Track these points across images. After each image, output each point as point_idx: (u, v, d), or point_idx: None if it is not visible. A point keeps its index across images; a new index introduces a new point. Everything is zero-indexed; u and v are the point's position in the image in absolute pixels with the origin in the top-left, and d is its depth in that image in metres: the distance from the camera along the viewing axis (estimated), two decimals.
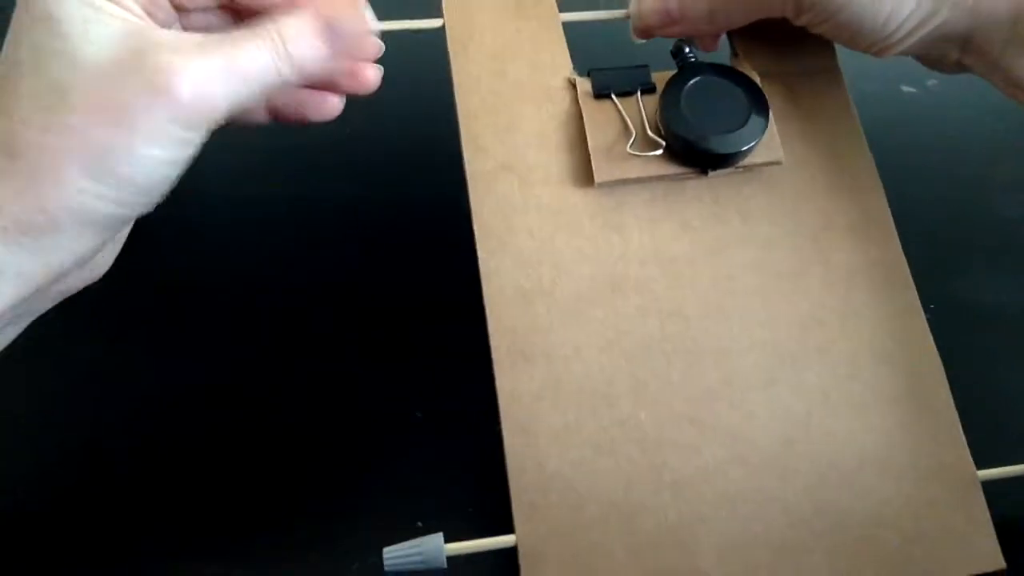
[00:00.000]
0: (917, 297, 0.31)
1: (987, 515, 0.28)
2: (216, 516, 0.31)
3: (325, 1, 0.26)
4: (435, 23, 0.34)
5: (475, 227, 0.30)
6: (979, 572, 0.28)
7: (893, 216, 0.33)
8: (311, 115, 0.30)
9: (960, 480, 0.29)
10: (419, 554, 0.26)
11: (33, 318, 0.27)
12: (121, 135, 0.23)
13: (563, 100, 0.33)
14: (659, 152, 0.31)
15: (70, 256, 0.25)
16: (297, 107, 0.30)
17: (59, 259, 0.25)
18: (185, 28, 0.28)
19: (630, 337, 0.29)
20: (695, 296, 0.30)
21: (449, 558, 0.27)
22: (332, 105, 0.30)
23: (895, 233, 0.32)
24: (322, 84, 0.29)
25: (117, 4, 0.24)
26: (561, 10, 0.35)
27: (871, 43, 0.31)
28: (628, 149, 0.31)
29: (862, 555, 0.27)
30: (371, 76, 0.30)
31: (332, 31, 0.26)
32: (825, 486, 0.28)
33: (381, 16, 0.30)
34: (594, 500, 0.27)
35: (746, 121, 0.30)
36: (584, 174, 0.31)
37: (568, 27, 0.34)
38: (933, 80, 0.51)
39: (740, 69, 0.32)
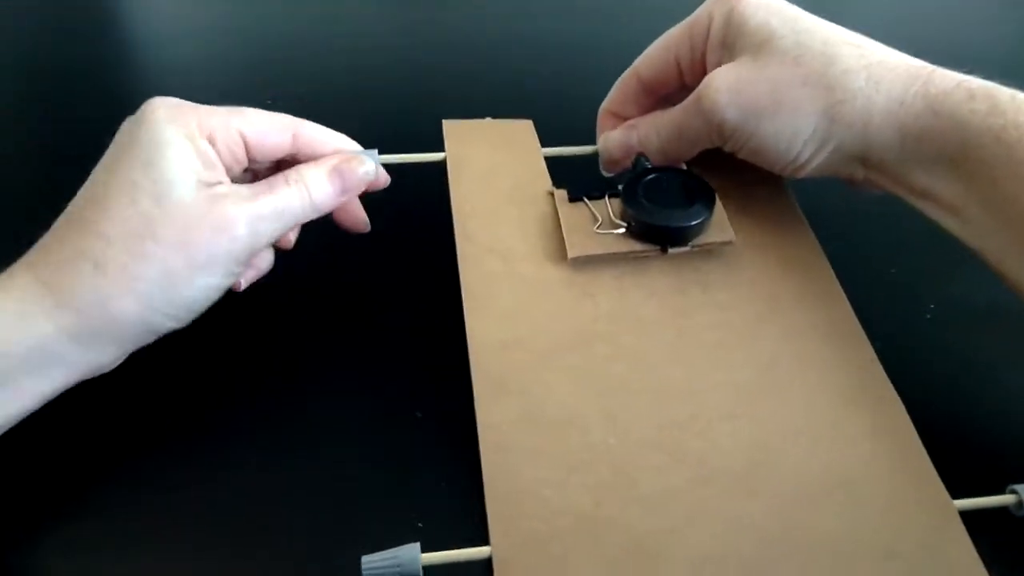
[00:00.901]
0: (873, 351, 0.33)
1: (967, 540, 0.28)
2: (216, 516, 0.31)
3: (338, 155, 0.35)
4: (438, 156, 0.41)
5: (463, 293, 0.35)
6: None
7: (893, 215, 0.35)
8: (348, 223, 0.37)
9: (936, 507, 0.29)
10: (396, 563, 0.27)
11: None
12: (190, 266, 0.29)
13: (543, 205, 0.38)
14: (621, 231, 0.36)
15: (115, 357, 0.30)
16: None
17: (108, 359, 0.30)
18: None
19: (600, 379, 0.32)
20: (660, 348, 0.33)
21: (426, 567, 0.27)
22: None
23: (844, 298, 0.35)
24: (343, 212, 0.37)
25: (207, 166, 0.30)
26: (544, 146, 0.42)
27: (783, 165, 0.35)
28: (595, 230, 0.36)
29: (833, 567, 0.27)
30: (361, 222, 0.37)
31: (343, 180, 0.34)
32: (794, 507, 0.29)
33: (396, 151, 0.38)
34: (566, 514, 0.28)
35: (693, 203, 0.36)
36: (559, 254, 0.36)
37: (550, 160, 0.41)
38: None
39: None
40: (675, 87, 0.39)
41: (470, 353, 0.33)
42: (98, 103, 0.52)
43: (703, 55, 0.37)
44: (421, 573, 0.27)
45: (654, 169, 0.38)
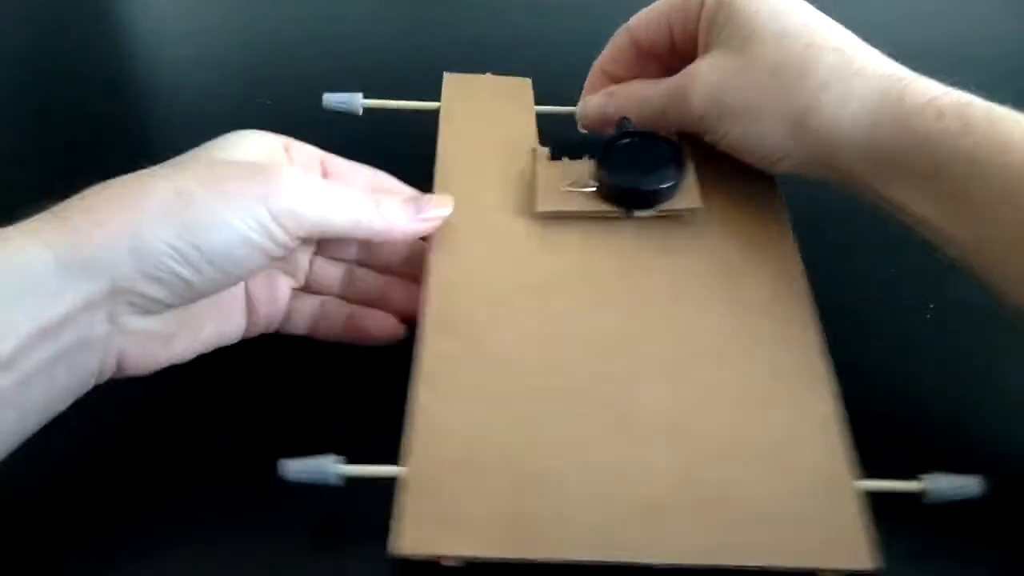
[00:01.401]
0: (818, 331, 0.34)
1: (862, 517, 0.29)
2: (215, 516, 0.31)
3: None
4: (433, 105, 0.43)
5: (432, 243, 0.36)
6: (846, 567, 0.28)
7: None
8: (372, 330, 0.36)
9: (836, 484, 0.29)
10: (316, 471, 0.30)
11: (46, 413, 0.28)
12: (212, 192, 0.28)
13: (524, 162, 0.40)
14: (592, 190, 0.37)
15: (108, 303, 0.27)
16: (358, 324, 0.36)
17: (99, 294, 0.26)
18: None
19: (547, 328, 0.34)
20: (611, 305, 0.35)
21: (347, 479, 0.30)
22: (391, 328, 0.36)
23: (804, 279, 0.36)
24: (377, 302, 0.36)
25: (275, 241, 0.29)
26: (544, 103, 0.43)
27: (756, 161, 0.36)
28: (566, 187, 0.37)
29: (724, 523, 0.28)
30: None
31: (417, 207, 0.34)
32: (700, 464, 0.30)
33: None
34: (484, 444, 0.30)
35: (663, 168, 0.36)
36: (530, 208, 0.37)
37: (546, 118, 0.42)
38: (933, 80, 0.49)
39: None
40: (667, 51, 0.39)
41: (426, 291, 0.35)
42: (98, 103, 0.53)
43: (696, 26, 0.37)
44: (340, 482, 0.30)
45: (636, 133, 0.38)
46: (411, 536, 0.28)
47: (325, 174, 0.34)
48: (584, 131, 0.42)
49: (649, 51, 0.40)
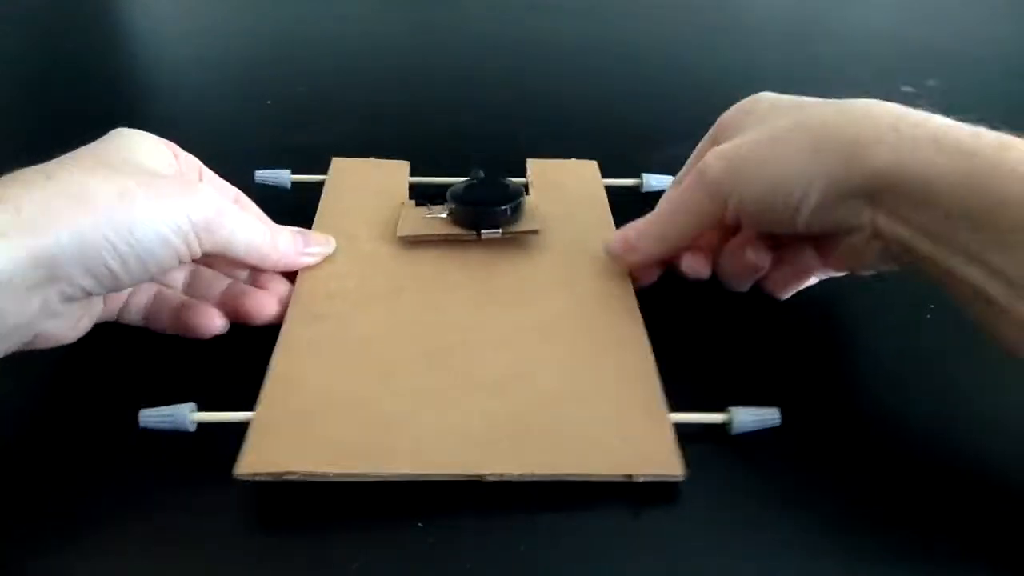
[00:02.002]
0: (639, 314, 0.38)
1: (672, 438, 0.32)
2: (214, 515, 0.31)
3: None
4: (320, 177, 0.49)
5: None
6: (657, 473, 0.30)
7: None
8: (252, 312, 0.37)
9: (650, 415, 0.33)
10: (170, 418, 0.32)
11: None
12: (149, 195, 0.30)
13: (395, 210, 0.46)
14: (444, 216, 0.43)
15: (45, 298, 0.29)
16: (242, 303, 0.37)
17: (36, 281, 0.28)
18: None
19: (399, 316, 0.38)
20: (459, 301, 0.39)
21: (199, 425, 0.32)
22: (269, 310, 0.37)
23: (629, 283, 0.41)
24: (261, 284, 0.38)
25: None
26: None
27: (777, 216, 0.33)
28: (424, 217, 0.43)
29: (544, 447, 0.31)
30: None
31: (305, 241, 0.39)
32: (525, 404, 0.33)
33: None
34: (328, 395, 0.33)
35: (505, 197, 0.42)
36: (394, 237, 0.43)
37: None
38: (933, 80, 0.48)
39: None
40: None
41: (293, 300, 0.38)
42: (98, 103, 0.54)
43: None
44: (192, 428, 0.32)
45: (484, 178, 0.45)
46: (252, 459, 0.30)
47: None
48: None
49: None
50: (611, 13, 0.56)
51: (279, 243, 0.37)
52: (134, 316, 0.37)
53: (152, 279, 0.34)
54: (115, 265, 0.30)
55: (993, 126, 0.29)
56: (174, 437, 0.32)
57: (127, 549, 0.29)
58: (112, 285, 0.31)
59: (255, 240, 0.35)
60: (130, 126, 0.35)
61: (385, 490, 0.30)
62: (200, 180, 0.37)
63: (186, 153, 0.37)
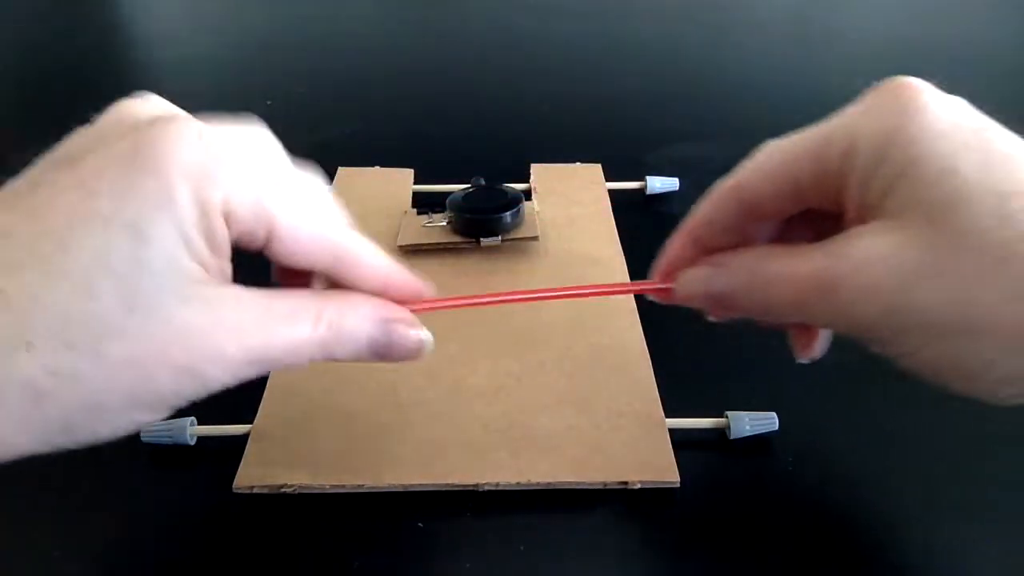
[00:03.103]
0: (638, 319, 0.38)
1: (668, 445, 0.32)
2: (214, 515, 0.31)
3: (388, 304, 0.24)
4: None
5: None
6: (653, 480, 0.30)
7: None
8: None
9: (648, 421, 0.33)
10: (170, 432, 0.32)
11: None
12: (127, 404, 0.20)
13: (397, 220, 0.46)
14: (444, 224, 0.43)
15: None
16: None
17: None
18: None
19: None
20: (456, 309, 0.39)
21: (199, 438, 0.32)
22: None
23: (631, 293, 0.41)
24: None
25: (214, 253, 0.21)
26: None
27: (966, 388, 0.24)
28: (423, 225, 0.43)
29: (544, 456, 0.31)
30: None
31: (389, 347, 0.24)
32: (523, 413, 0.33)
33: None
34: (326, 409, 0.33)
35: (504, 205, 0.43)
36: (394, 247, 0.43)
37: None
38: (933, 80, 0.49)
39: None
40: (789, 212, 0.26)
41: None
42: (98, 103, 0.54)
43: (838, 180, 0.24)
44: (191, 441, 0.32)
45: (483, 187, 0.45)
46: (250, 473, 0.30)
47: (269, 242, 0.22)
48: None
49: (763, 213, 0.26)
50: (613, 14, 0.56)
51: (334, 353, 0.23)
52: None
53: None
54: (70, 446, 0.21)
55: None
56: (174, 450, 0.32)
57: (130, 558, 0.29)
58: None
59: (297, 363, 0.22)
60: None
61: (385, 491, 0.31)
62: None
63: (255, 214, 0.21)
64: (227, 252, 0.21)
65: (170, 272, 0.19)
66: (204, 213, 0.20)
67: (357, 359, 0.23)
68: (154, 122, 0.20)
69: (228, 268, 0.22)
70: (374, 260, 0.24)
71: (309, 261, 0.23)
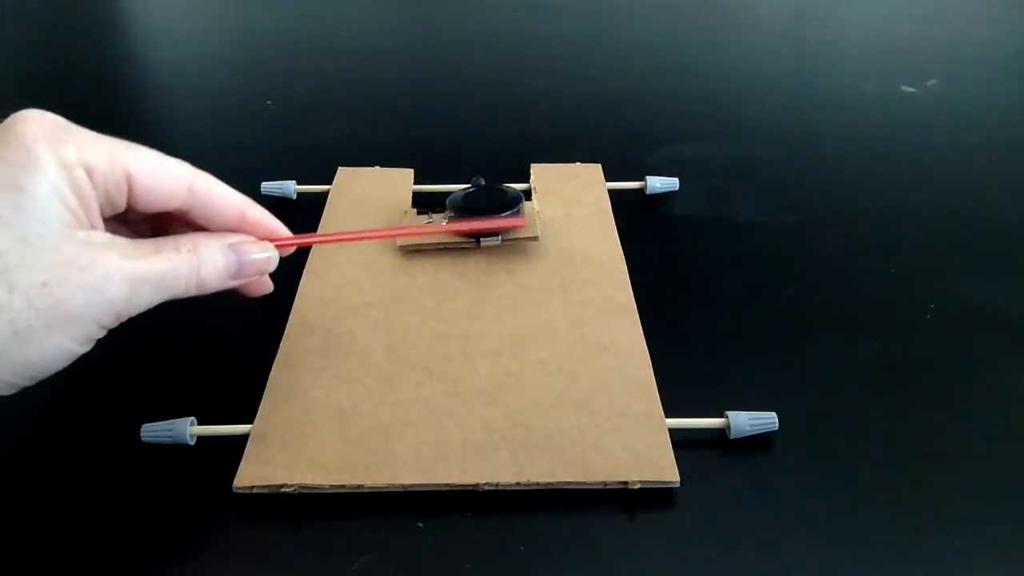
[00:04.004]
0: (639, 319, 0.38)
1: (669, 445, 0.32)
2: (214, 515, 0.31)
3: (239, 235, 0.29)
4: (325, 188, 0.49)
5: (304, 270, 0.41)
6: (653, 479, 0.30)
7: (892, 215, 0.38)
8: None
9: (648, 421, 0.33)
10: (170, 432, 0.32)
11: None
12: (48, 324, 0.24)
13: (397, 220, 0.46)
14: (444, 223, 0.43)
15: None
16: None
17: None
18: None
19: (394, 325, 0.38)
20: (454, 308, 0.39)
21: (198, 438, 0.32)
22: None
23: (628, 287, 0.41)
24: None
25: (83, 203, 0.25)
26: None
27: None
28: (423, 223, 0.43)
29: (544, 455, 0.31)
30: (266, 287, 0.32)
31: (240, 266, 0.29)
32: (523, 412, 0.33)
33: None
34: (324, 408, 0.33)
35: (503, 205, 0.43)
36: (394, 247, 0.43)
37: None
38: (933, 80, 0.49)
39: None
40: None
41: (293, 309, 0.39)
42: (98, 103, 0.53)
43: None
44: (192, 442, 0.32)
45: (483, 186, 0.45)
46: (250, 473, 0.30)
47: (133, 197, 0.27)
48: None
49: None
50: (613, 14, 0.55)
51: (205, 282, 0.28)
52: None
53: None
54: (4, 391, 0.25)
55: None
56: (174, 450, 0.32)
57: (130, 558, 0.29)
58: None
59: (172, 294, 0.27)
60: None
61: (385, 491, 0.31)
62: (125, 189, 0.26)
63: (110, 165, 0.26)
64: (96, 209, 0.25)
65: (50, 216, 0.24)
66: (65, 166, 0.24)
67: (222, 286, 0.28)
68: (13, 117, 0.25)
69: (100, 223, 0.26)
70: (227, 192, 0.29)
71: (169, 196, 0.27)
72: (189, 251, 0.27)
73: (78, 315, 0.24)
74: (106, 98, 0.56)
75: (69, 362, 0.26)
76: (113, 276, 0.25)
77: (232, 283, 0.29)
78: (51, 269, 0.23)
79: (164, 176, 0.27)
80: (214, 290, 0.28)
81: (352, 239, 0.40)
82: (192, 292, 0.27)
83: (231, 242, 0.29)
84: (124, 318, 0.26)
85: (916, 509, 0.31)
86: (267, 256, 0.30)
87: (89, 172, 0.25)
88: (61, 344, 0.25)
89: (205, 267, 0.27)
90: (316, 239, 0.38)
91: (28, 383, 0.25)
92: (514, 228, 0.40)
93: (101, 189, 0.25)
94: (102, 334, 0.26)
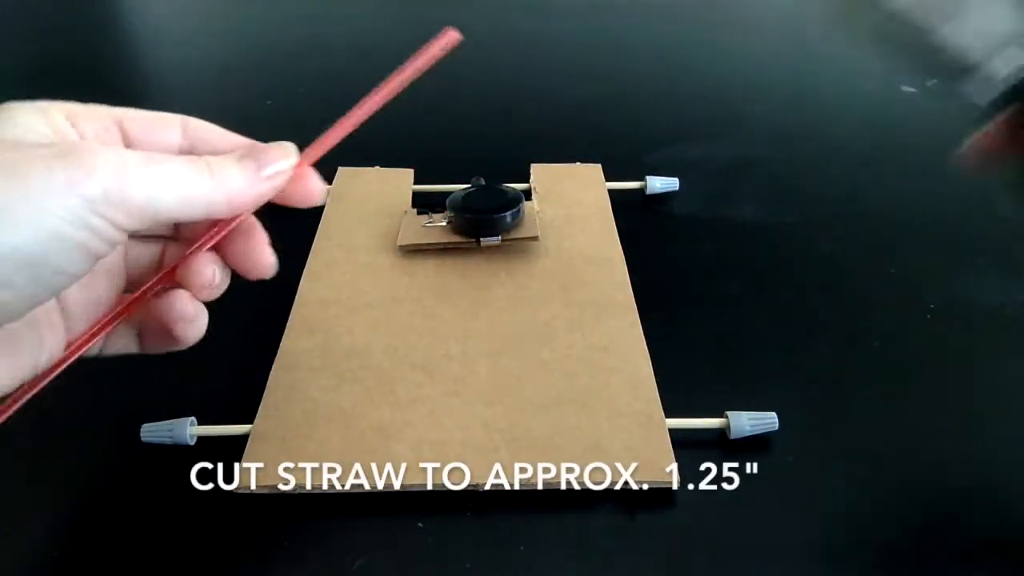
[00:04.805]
0: (639, 320, 0.38)
1: (668, 446, 0.32)
2: (214, 514, 0.31)
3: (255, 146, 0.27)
4: (325, 188, 0.49)
5: (304, 271, 0.41)
6: (653, 481, 0.30)
7: (893, 215, 0.38)
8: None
9: (648, 421, 0.33)
10: (170, 432, 0.32)
11: None
12: (24, 193, 0.21)
13: (397, 220, 0.46)
14: (444, 224, 0.43)
15: None
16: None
17: None
18: None
19: (394, 325, 0.38)
20: (455, 309, 0.39)
21: (199, 438, 0.32)
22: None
23: (629, 289, 0.40)
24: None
25: (69, 119, 0.25)
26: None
27: None
28: (423, 225, 0.43)
29: (544, 456, 0.31)
30: (312, 195, 0.29)
31: (258, 162, 0.26)
32: (523, 412, 0.33)
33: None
34: (325, 408, 0.33)
35: (503, 205, 0.43)
36: (394, 247, 0.43)
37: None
38: (933, 80, 0.50)
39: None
40: None
41: (293, 309, 0.39)
42: (98, 103, 0.54)
43: None
44: (192, 442, 0.32)
45: (483, 186, 0.45)
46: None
47: (128, 141, 0.26)
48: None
49: None
50: (613, 14, 0.55)
51: (226, 181, 0.25)
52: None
53: (67, 287, 0.23)
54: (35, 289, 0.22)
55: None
56: (174, 450, 0.32)
57: (130, 558, 0.29)
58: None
59: (188, 191, 0.24)
60: None
61: (385, 491, 0.31)
62: (119, 139, 0.27)
63: (88, 108, 0.26)
64: (117, 238, 0.23)
65: (26, 129, 0.23)
66: (41, 111, 0.24)
67: (246, 189, 0.26)
68: None
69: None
70: (225, 131, 0.29)
71: (164, 131, 0.27)
72: (204, 161, 0.25)
73: (54, 188, 0.21)
74: (106, 98, 0.54)
75: (75, 258, 0.22)
76: (97, 152, 0.22)
77: (262, 187, 0.26)
78: (28, 149, 0.22)
79: (154, 116, 0.27)
80: (246, 201, 0.26)
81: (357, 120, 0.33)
82: (219, 199, 0.25)
83: (241, 152, 0.26)
84: (135, 212, 0.23)
85: (916, 508, 0.31)
86: (285, 154, 0.27)
87: (71, 118, 0.25)
88: (43, 222, 0.21)
89: (222, 170, 0.25)
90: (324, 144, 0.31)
91: (38, 288, 0.22)
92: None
93: (89, 132, 0.25)
94: (109, 231, 0.22)
